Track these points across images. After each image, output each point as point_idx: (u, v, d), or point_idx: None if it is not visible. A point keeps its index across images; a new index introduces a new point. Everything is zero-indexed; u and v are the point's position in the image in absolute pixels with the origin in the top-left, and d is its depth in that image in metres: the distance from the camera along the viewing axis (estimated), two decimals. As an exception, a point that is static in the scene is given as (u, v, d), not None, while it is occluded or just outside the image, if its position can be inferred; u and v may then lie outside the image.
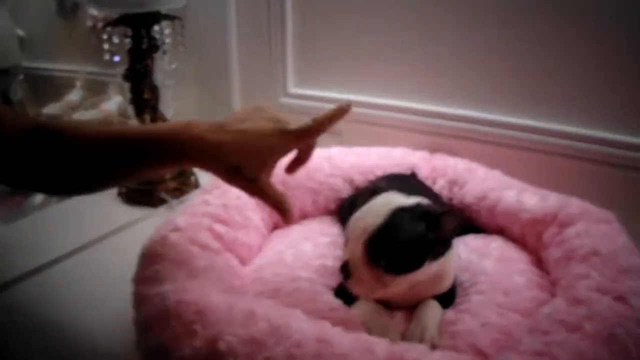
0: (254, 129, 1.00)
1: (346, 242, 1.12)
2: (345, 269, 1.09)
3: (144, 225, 1.66)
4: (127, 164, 1.02)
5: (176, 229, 1.24)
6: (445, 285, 1.18)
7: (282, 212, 1.06)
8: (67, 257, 1.52)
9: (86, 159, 1.00)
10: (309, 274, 1.26)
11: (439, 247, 1.09)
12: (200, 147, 0.99)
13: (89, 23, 2.36)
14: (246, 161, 1.00)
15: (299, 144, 1.05)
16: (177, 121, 1.05)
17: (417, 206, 1.09)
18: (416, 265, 1.06)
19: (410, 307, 1.16)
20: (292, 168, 1.14)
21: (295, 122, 1.03)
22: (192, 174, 1.93)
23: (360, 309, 1.14)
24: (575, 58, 1.54)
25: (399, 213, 1.06)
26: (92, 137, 1.01)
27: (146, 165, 1.03)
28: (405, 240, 1.05)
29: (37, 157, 0.98)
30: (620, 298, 1.00)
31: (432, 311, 1.14)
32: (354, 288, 1.09)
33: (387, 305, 1.17)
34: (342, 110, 1.04)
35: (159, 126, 1.03)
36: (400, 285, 1.09)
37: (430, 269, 1.09)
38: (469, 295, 1.20)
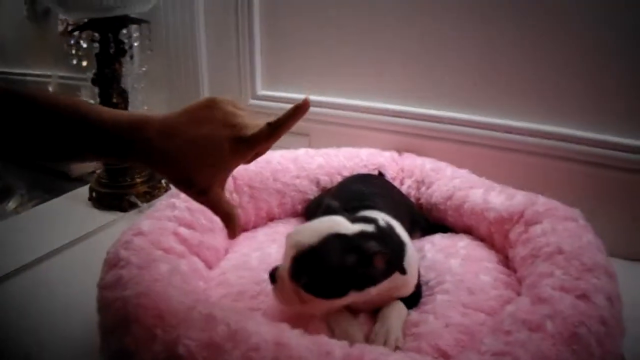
0: (206, 137, 0.92)
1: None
2: (273, 275, 1.09)
3: (114, 229, 1.66)
4: (81, 146, 0.94)
5: (140, 233, 1.23)
6: (405, 292, 1.17)
7: (228, 227, 1.00)
8: (38, 262, 1.51)
9: (46, 128, 0.92)
10: (273, 277, 1.25)
11: (365, 281, 1.07)
12: (148, 154, 0.93)
13: (60, 28, 2.35)
14: (196, 172, 0.93)
15: (255, 150, 0.96)
16: (134, 114, 0.96)
17: (356, 237, 1.07)
18: (337, 293, 1.06)
19: (374, 310, 1.16)
20: (248, 160, 1.02)
21: (252, 122, 0.95)
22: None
23: (332, 316, 1.13)
24: (540, 56, 1.54)
25: (334, 240, 1.05)
26: (56, 106, 0.92)
27: (98, 153, 0.96)
28: (328, 267, 1.04)
29: (4, 120, 0.91)
30: (583, 296, 1.00)
31: (396, 312, 1.13)
32: (276, 295, 1.09)
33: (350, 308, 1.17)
34: (300, 110, 0.94)
35: (115, 117, 0.93)
36: (320, 307, 1.08)
37: (363, 295, 1.08)
38: (434, 294, 1.20)
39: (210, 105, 0.96)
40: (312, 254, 1.04)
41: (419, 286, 1.21)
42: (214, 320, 0.94)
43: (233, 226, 0.99)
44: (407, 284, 1.16)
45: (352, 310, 1.15)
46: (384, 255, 1.05)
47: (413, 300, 1.18)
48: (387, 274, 1.08)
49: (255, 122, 0.95)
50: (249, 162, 1.02)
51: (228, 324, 0.93)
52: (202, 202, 0.97)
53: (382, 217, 1.18)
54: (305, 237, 1.06)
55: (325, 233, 1.06)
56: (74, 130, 0.92)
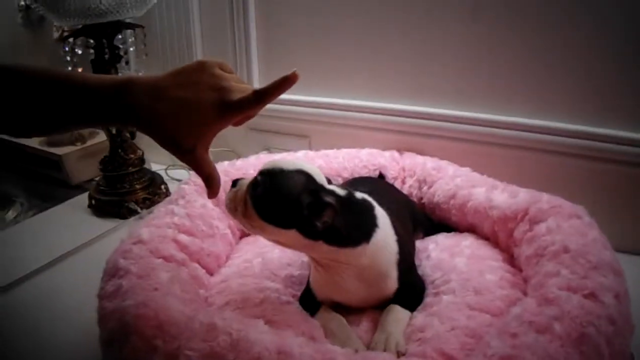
0: (192, 99, 0.95)
1: None
2: (236, 181, 1.15)
3: (114, 237, 1.65)
4: (70, 113, 0.97)
5: (139, 242, 1.23)
6: (387, 288, 1.16)
7: (208, 187, 1.03)
8: (39, 271, 1.51)
9: (34, 96, 0.95)
10: (276, 284, 1.25)
11: (310, 229, 1.07)
12: (135, 114, 0.95)
13: (56, 34, 2.34)
14: (181, 133, 0.95)
15: (240, 116, 0.99)
16: (119, 77, 1.00)
17: (321, 187, 1.11)
18: (278, 222, 1.08)
19: (371, 307, 1.17)
20: (236, 122, 1.05)
21: (239, 88, 0.97)
22: (163, 182, 1.91)
23: (323, 318, 1.14)
24: (541, 51, 1.54)
25: (302, 176, 1.10)
26: (42, 76, 0.96)
27: (86, 118, 0.99)
28: (282, 193, 1.08)
29: None
30: (590, 295, 0.98)
31: (394, 316, 1.13)
32: (226, 198, 1.15)
33: (349, 309, 1.17)
34: (286, 81, 0.98)
35: (100, 80, 0.97)
36: (258, 228, 1.11)
37: (310, 247, 1.10)
38: (440, 294, 1.19)
39: (199, 68, 0.98)
40: (277, 176, 1.10)
41: (420, 286, 1.21)
42: (215, 330, 0.94)
43: (213, 186, 1.02)
44: (379, 274, 1.15)
45: (352, 313, 1.16)
46: (336, 213, 1.06)
47: (410, 301, 1.18)
48: (338, 241, 1.09)
49: (242, 87, 0.98)
50: (237, 124, 1.04)
51: (230, 334, 0.93)
52: (186, 162, 0.99)
53: (366, 197, 1.18)
54: (282, 162, 1.13)
55: (300, 168, 1.11)
56: (61, 96, 0.95)
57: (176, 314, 0.98)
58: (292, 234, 1.07)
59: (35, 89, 0.94)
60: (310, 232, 1.07)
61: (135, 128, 1.00)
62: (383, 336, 1.08)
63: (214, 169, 1.02)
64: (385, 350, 1.04)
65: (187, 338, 0.93)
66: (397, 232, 1.18)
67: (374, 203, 1.18)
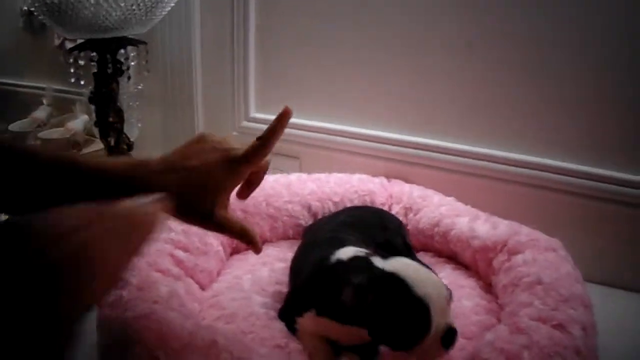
0: (200, 165, 0.96)
1: None
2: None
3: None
4: (79, 195, 0.87)
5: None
6: None
7: (247, 243, 1.03)
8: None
9: (41, 182, 0.94)
10: (264, 299, 1.29)
11: None
12: (149, 190, 0.90)
13: (57, 41, 2.37)
14: (196, 202, 0.96)
15: (250, 167, 0.99)
16: (130, 159, 1.01)
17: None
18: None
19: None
20: (243, 192, 1.09)
21: (241, 145, 0.99)
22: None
23: (309, 344, 1.13)
24: (525, 86, 1.60)
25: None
26: (50, 160, 0.95)
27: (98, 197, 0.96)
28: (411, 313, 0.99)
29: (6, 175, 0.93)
30: (559, 326, 1.04)
31: None
32: None
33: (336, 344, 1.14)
34: (284, 117, 1.00)
35: (113, 164, 0.97)
36: None
37: None
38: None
39: (200, 139, 1.00)
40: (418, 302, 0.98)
41: None
42: (216, 347, 0.97)
43: (253, 240, 1.02)
44: None
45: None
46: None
47: None
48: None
49: (243, 145, 0.99)
50: (244, 195, 1.09)
51: (231, 352, 0.96)
52: (210, 229, 1.01)
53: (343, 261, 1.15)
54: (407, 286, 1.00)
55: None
56: (76, 182, 0.94)
57: (178, 328, 1.01)
58: None
59: (48, 174, 0.94)
60: None
61: None
62: None
63: (242, 225, 1.02)
64: None
65: (190, 352, 0.96)
66: None
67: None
